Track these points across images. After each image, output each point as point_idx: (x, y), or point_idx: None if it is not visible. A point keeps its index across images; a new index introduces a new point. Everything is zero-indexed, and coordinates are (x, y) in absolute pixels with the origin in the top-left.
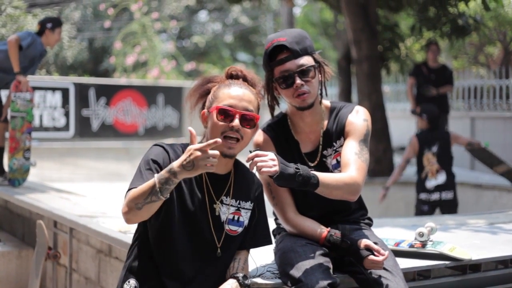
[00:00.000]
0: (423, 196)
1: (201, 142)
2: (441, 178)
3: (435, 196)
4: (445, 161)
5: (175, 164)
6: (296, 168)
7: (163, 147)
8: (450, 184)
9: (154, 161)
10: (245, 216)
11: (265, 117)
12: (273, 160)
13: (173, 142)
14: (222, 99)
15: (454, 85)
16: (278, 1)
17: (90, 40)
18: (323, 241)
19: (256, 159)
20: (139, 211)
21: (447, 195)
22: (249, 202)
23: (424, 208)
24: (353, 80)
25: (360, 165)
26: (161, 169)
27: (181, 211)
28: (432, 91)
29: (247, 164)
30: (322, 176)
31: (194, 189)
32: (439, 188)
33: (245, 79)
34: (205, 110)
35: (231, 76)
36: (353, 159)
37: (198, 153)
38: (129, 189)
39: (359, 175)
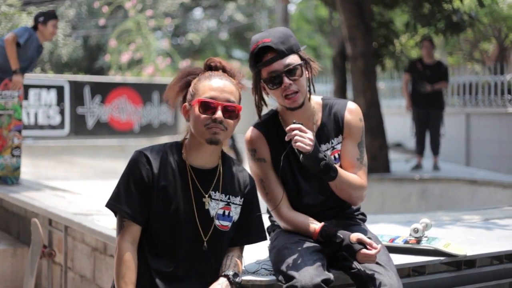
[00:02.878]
0: None
1: (185, 138)
2: None
3: None
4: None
5: None
6: (325, 156)
7: (145, 155)
8: None
9: (136, 184)
10: (234, 211)
11: (247, 108)
12: (311, 140)
13: (168, 140)
14: (203, 92)
15: (449, 81)
16: None
17: (85, 38)
18: (316, 237)
19: (296, 131)
20: None
21: None
22: (239, 197)
23: None
24: (348, 76)
25: (364, 171)
26: (144, 189)
27: (166, 207)
28: (427, 87)
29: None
30: (342, 172)
31: (178, 185)
32: None
33: (224, 70)
34: (186, 103)
35: (210, 68)
36: (357, 165)
37: None
38: (111, 204)
39: (366, 182)
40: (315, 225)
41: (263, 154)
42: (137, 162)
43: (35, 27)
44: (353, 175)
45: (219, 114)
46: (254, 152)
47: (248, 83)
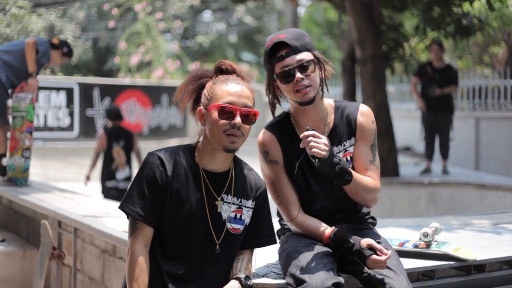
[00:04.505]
0: (111, 184)
1: (198, 141)
2: (128, 170)
3: (123, 185)
4: (130, 156)
5: None
6: (339, 160)
7: (159, 158)
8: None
9: (149, 185)
10: (246, 215)
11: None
12: (326, 145)
13: (177, 142)
14: (221, 96)
15: (458, 85)
16: (283, 1)
17: (94, 40)
18: (326, 241)
19: (311, 138)
20: None
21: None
22: (251, 200)
23: (112, 193)
24: (358, 80)
25: (377, 173)
26: (158, 191)
27: (178, 210)
28: (436, 91)
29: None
30: (356, 175)
31: (191, 187)
32: (127, 179)
33: (235, 73)
34: (202, 107)
35: (221, 71)
36: (370, 168)
37: None
38: (124, 205)
39: (380, 185)
40: (325, 229)
41: (276, 156)
42: (151, 164)
43: (54, 47)
44: (367, 178)
45: (238, 119)
46: (267, 154)
47: (257, 86)
